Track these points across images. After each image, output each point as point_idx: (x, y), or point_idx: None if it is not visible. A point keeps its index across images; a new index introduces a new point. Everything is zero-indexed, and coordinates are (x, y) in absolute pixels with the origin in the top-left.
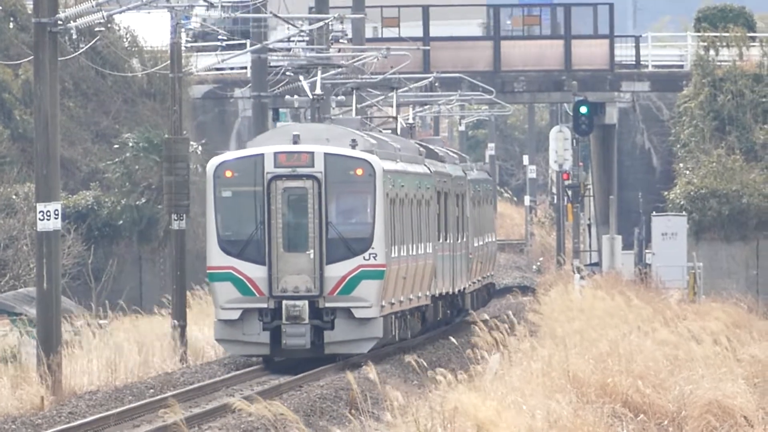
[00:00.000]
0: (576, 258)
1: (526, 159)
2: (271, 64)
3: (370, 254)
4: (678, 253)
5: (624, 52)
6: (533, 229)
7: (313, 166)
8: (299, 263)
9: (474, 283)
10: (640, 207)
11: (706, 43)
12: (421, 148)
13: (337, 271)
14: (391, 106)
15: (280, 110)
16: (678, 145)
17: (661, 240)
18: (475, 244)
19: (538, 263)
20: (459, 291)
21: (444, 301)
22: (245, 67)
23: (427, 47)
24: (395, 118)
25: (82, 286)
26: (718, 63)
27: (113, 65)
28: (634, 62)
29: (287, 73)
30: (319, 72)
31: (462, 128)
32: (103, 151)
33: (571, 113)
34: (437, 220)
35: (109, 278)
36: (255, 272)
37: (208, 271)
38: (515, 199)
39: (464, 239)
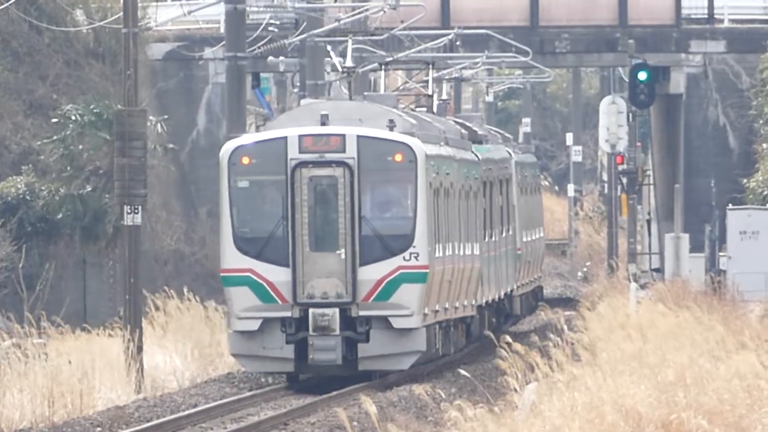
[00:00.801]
0: (632, 262)
1: (569, 138)
2: (251, 17)
3: (410, 254)
4: (760, 257)
5: (694, 3)
6: (578, 226)
7: (344, 151)
8: (328, 265)
9: (523, 285)
10: (713, 198)
11: None
12: (463, 130)
13: (372, 273)
14: (401, 69)
15: (261, 75)
16: (761, 121)
17: (738, 240)
18: (524, 239)
19: (585, 269)
20: (506, 294)
21: (490, 310)
22: (218, 21)
23: None
24: (430, 96)
25: (10, 296)
26: None
27: (51, 18)
28: (706, 16)
29: (270, 28)
30: (350, 42)
31: (490, 99)
32: (39, 127)
33: (626, 80)
34: (483, 215)
35: (46, 286)
36: (277, 275)
37: (221, 275)
38: (556, 188)
39: (511, 233)
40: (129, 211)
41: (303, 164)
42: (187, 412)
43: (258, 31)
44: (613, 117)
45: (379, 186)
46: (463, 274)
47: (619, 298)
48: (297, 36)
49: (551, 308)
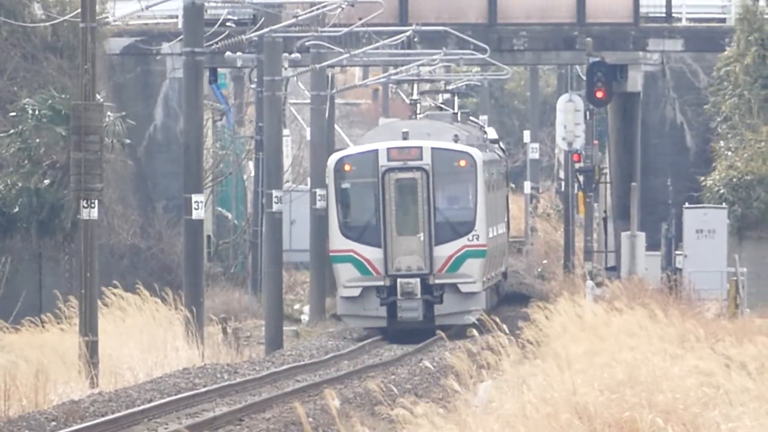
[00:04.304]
0: (588, 260)
1: (527, 135)
2: (208, 12)
3: (473, 235)
4: (716, 256)
5: (652, 2)
6: (535, 224)
7: (421, 159)
8: (411, 245)
9: (509, 265)
10: (670, 197)
11: None
12: (485, 134)
13: (444, 251)
14: (358, 66)
15: (219, 70)
16: (718, 120)
17: (695, 239)
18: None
19: (541, 267)
20: (504, 271)
21: (504, 279)
22: (176, 17)
23: None
24: (456, 113)
25: None
26: None
27: (9, 11)
28: (664, 14)
29: (228, 24)
30: (416, 85)
31: (447, 96)
32: None
33: (584, 78)
34: (505, 202)
35: (1, 280)
36: (372, 254)
37: (330, 254)
38: (512, 185)
39: (506, 220)
40: (85, 205)
41: (391, 170)
42: (141, 407)
43: (215, 27)
44: (570, 115)
45: (448, 185)
46: (500, 249)
47: (575, 295)
48: (254, 32)
49: (508, 305)
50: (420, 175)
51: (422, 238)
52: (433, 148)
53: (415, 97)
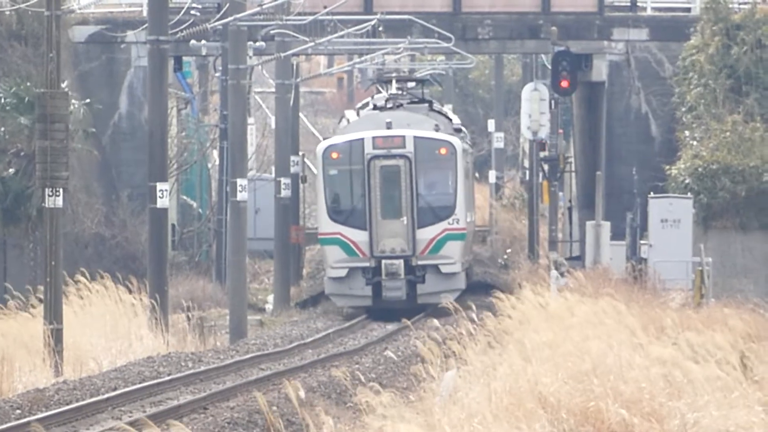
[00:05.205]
0: (553, 250)
1: (491, 124)
2: (173, 1)
3: (453, 219)
4: (681, 245)
5: None
6: (499, 213)
7: (404, 147)
8: (395, 228)
9: (474, 254)
10: (635, 186)
11: None
12: (453, 124)
13: (426, 234)
14: (323, 54)
15: (184, 59)
16: (683, 109)
17: (660, 228)
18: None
19: (505, 256)
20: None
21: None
22: (140, 5)
23: None
24: (430, 103)
25: None
26: (734, 6)
27: None
28: (629, 4)
29: (192, 12)
30: (394, 81)
31: (412, 84)
32: None
33: (549, 67)
34: (473, 190)
35: None
36: (358, 237)
37: (319, 237)
38: (476, 174)
39: (474, 209)
40: (50, 193)
41: (376, 157)
42: (106, 396)
43: (180, 15)
44: (535, 104)
45: (430, 171)
46: (472, 234)
47: (539, 285)
48: (219, 20)
49: (473, 294)
50: (403, 162)
51: (405, 222)
52: (415, 137)
53: (393, 91)
